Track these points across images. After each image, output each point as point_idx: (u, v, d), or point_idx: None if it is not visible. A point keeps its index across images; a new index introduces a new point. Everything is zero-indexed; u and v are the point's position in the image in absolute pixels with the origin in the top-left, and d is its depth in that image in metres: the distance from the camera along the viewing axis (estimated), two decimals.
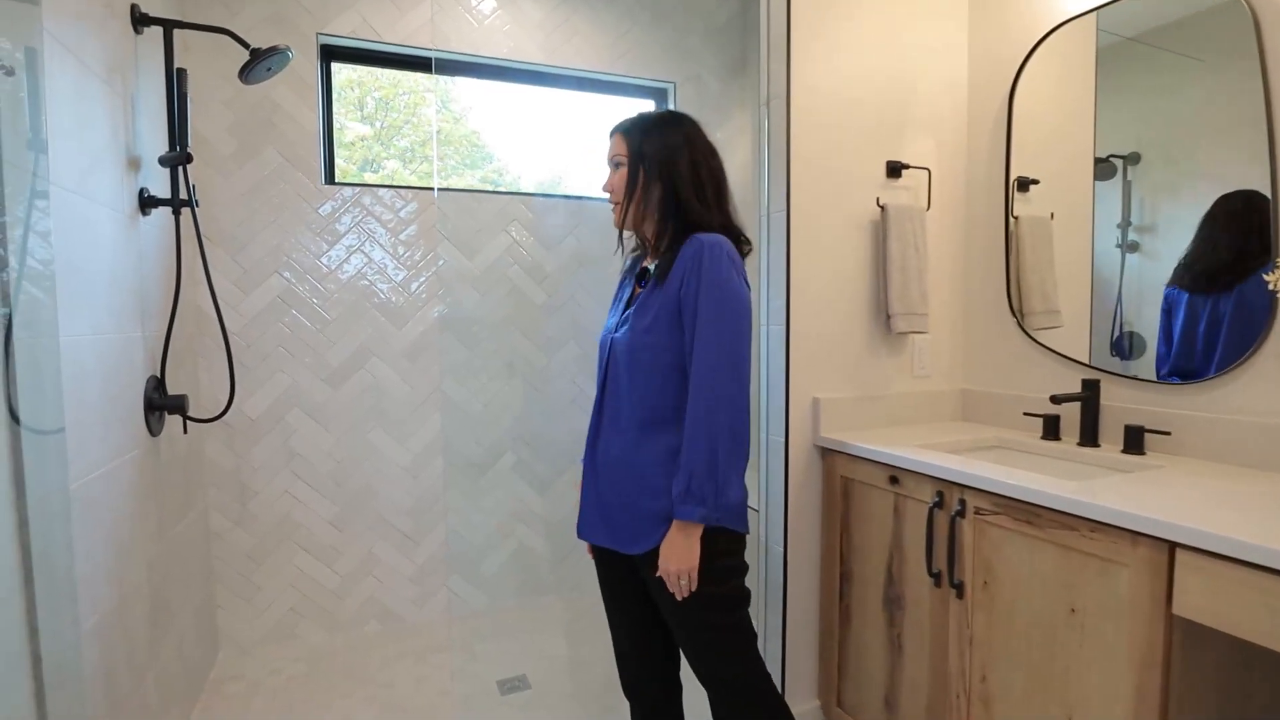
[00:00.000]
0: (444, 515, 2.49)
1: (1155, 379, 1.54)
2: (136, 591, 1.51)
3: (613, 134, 1.32)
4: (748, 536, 1.27)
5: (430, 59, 2.45)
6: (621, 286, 1.40)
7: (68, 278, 1.22)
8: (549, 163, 2.71)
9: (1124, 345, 1.64)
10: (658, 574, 1.20)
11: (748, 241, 1.29)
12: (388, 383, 2.39)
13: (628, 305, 1.32)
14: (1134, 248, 1.65)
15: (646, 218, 1.28)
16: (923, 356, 1.87)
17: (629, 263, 1.41)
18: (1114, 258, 1.67)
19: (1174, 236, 1.56)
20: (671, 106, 2.78)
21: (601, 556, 1.37)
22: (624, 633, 1.39)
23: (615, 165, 1.30)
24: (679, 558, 1.16)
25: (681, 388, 1.21)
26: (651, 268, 1.28)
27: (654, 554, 1.21)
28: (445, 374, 2.46)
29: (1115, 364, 1.63)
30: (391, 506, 2.42)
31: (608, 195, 1.33)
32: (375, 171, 2.51)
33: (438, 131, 2.59)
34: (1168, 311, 1.54)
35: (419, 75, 2.51)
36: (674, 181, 1.24)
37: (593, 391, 2.66)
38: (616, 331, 1.29)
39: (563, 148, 2.72)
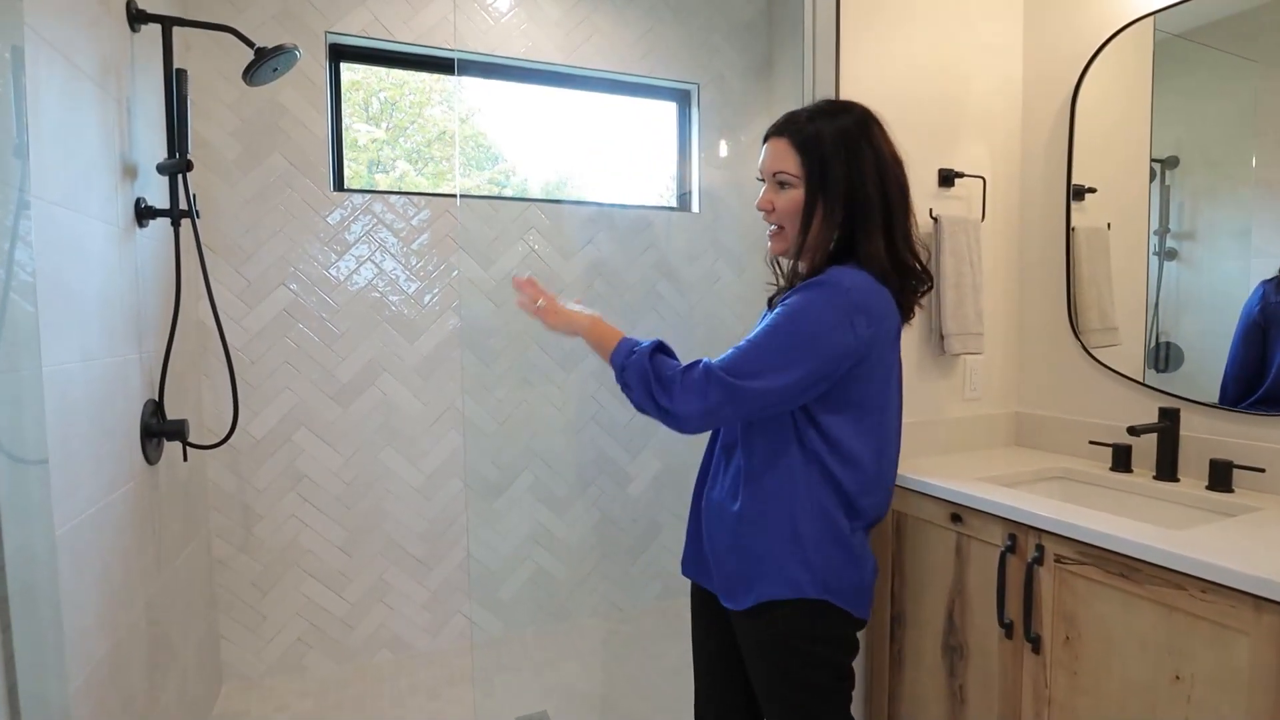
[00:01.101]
0: (458, 538, 2.37)
1: (1218, 402, 1.43)
2: (133, 635, 1.40)
3: (772, 137, 1.07)
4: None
5: (443, 59, 2.33)
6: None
7: (53, 301, 1.10)
8: (563, 165, 2.59)
9: (1159, 356, 1.57)
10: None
11: (928, 277, 1.10)
12: (399, 399, 2.27)
13: None
14: (1171, 255, 1.57)
15: (818, 251, 1.06)
16: (974, 378, 1.74)
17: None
18: (1151, 265, 1.59)
19: (1217, 243, 1.48)
20: (694, 110, 2.66)
21: (699, 595, 1.26)
22: (707, 682, 1.28)
23: (781, 184, 1.06)
24: (558, 314, 1.14)
25: (786, 437, 1.06)
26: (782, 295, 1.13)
27: (750, 613, 1.09)
28: (460, 390, 2.34)
29: (1194, 389, 1.50)
30: (403, 530, 2.30)
31: (762, 214, 1.10)
32: (386, 173, 2.39)
33: (443, 133, 2.47)
34: (1261, 329, 1.41)
35: (423, 75, 2.39)
36: (858, 209, 1.01)
37: (614, 408, 2.54)
38: None
39: (578, 150, 2.60)
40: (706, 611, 1.25)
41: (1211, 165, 1.53)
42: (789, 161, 1.05)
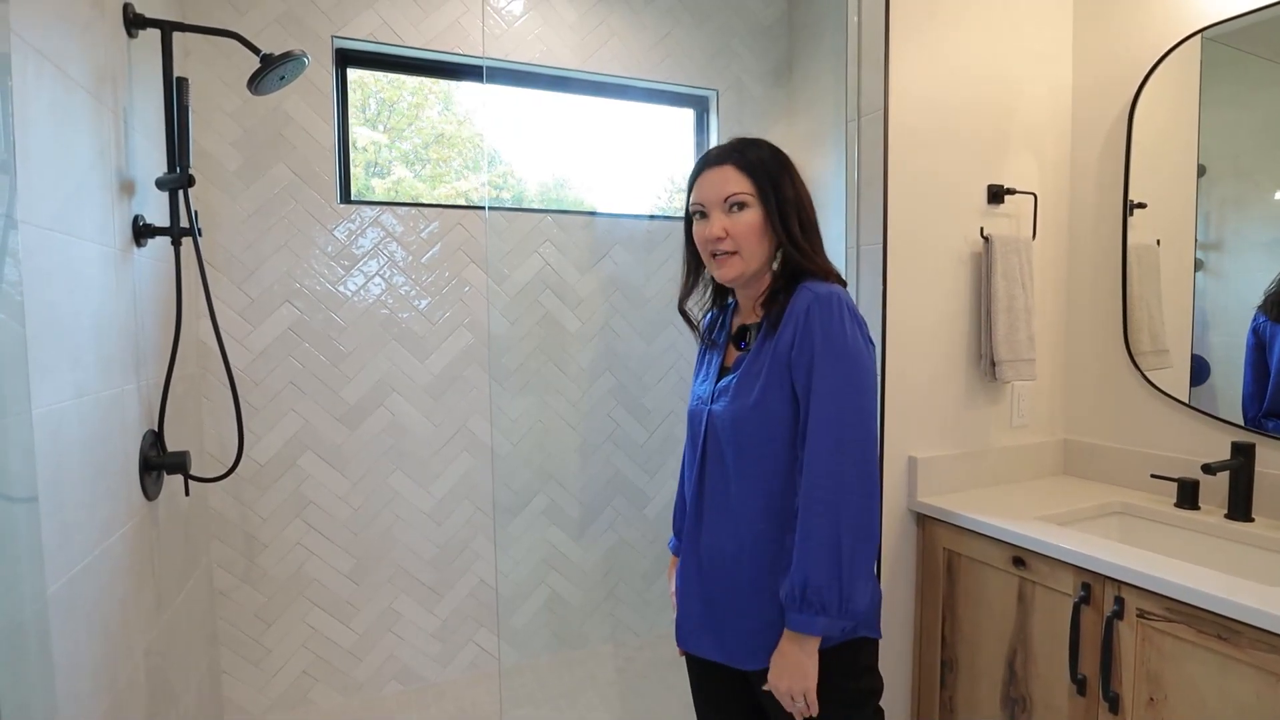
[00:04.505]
0: (470, 564, 2.27)
1: (1243, 423, 1.40)
2: (132, 688, 1.29)
3: (717, 165, 1.06)
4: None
5: (459, 64, 2.23)
6: (707, 350, 1.19)
7: (45, 335, 1.00)
8: (570, 171, 2.49)
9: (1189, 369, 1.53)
10: (774, 690, 0.99)
11: (843, 282, 1.09)
12: (409, 421, 2.17)
13: (723, 371, 1.10)
14: (1198, 266, 1.54)
15: (766, 271, 1.08)
16: (1021, 404, 1.65)
17: (709, 320, 1.20)
18: (1195, 282, 1.56)
19: (1244, 255, 1.46)
20: (713, 116, 2.57)
21: (702, 666, 1.15)
22: None
23: (735, 207, 1.04)
24: (793, 675, 0.96)
25: (788, 480, 1.01)
26: (751, 324, 1.08)
27: None
28: (472, 410, 2.24)
29: (1220, 404, 1.48)
30: (413, 556, 2.20)
31: (717, 245, 1.05)
32: (382, 177, 2.28)
33: (441, 135, 2.36)
34: (1260, 350, 1.39)
35: (423, 78, 2.29)
36: (789, 224, 1.04)
37: (631, 426, 2.45)
38: (714, 403, 1.07)
39: (593, 159, 2.50)
40: (717, 683, 1.15)
41: (1241, 175, 1.49)
42: (740, 184, 1.04)
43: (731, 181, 1.04)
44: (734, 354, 1.10)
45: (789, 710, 0.98)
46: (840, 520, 0.93)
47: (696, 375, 1.19)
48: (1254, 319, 1.41)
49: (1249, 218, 1.44)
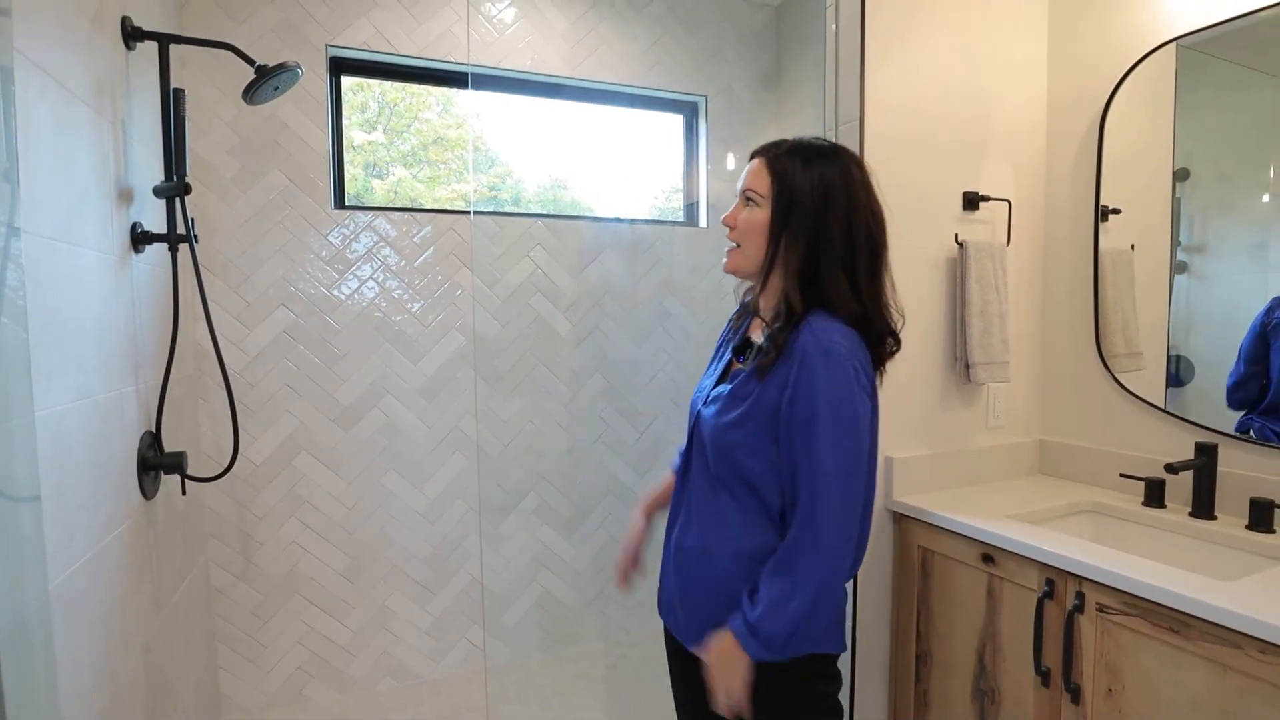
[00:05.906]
0: (463, 563, 2.31)
1: (1253, 437, 1.41)
2: (132, 685, 1.33)
3: (756, 155, 1.04)
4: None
5: (450, 72, 2.27)
6: (723, 345, 1.18)
7: (48, 341, 1.04)
8: (561, 175, 2.53)
9: (1170, 370, 1.56)
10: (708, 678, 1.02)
11: (897, 340, 1.05)
12: (403, 422, 2.21)
13: (723, 377, 1.10)
14: (1181, 268, 1.56)
15: (771, 281, 1.02)
16: (997, 406, 1.70)
17: (734, 313, 1.20)
18: (1172, 286, 1.59)
19: (1228, 257, 1.49)
20: (702, 122, 2.61)
21: (672, 640, 1.20)
22: None
23: (749, 201, 1.02)
24: (725, 671, 0.98)
25: (764, 496, 1.02)
26: (755, 341, 1.07)
27: None
28: (464, 411, 2.28)
29: (1205, 403, 1.50)
30: (406, 555, 2.24)
31: (726, 230, 1.06)
32: (382, 178, 2.32)
33: (439, 138, 2.40)
34: (1265, 342, 1.40)
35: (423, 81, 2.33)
36: (818, 245, 0.97)
37: (621, 427, 2.49)
38: (706, 405, 1.09)
39: (582, 164, 2.54)
40: (679, 658, 1.19)
41: (1223, 179, 1.52)
42: (760, 182, 1.02)
43: (753, 175, 1.03)
44: (735, 365, 1.09)
45: (715, 702, 0.99)
46: (808, 578, 0.93)
47: (708, 367, 1.19)
48: (1266, 307, 1.39)
49: (1232, 221, 1.47)
